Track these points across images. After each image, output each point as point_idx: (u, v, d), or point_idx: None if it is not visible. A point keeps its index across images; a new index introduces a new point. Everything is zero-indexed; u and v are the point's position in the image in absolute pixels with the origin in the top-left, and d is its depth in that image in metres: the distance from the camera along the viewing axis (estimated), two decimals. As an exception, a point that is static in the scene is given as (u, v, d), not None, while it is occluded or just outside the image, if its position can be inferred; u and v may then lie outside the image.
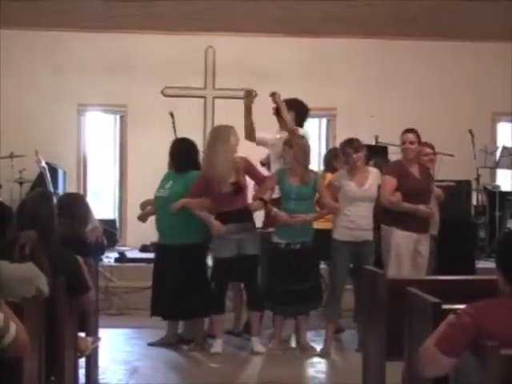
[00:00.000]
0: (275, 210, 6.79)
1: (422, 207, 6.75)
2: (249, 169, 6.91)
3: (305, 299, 6.78)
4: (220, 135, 6.88)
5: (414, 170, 6.89)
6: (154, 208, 7.13)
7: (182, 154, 7.05)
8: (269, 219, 7.11)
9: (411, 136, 6.87)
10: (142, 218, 7.35)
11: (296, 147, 6.86)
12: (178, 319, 7.11)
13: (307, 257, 6.80)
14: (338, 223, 6.91)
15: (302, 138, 7.07)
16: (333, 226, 7.01)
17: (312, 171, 7.07)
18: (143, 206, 7.38)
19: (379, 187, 6.89)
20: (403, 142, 6.91)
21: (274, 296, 6.79)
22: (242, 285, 7.25)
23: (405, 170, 6.85)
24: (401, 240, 6.74)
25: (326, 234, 6.97)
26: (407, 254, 6.75)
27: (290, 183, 6.82)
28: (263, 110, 10.88)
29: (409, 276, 6.34)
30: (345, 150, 6.99)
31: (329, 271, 7.02)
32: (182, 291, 6.72)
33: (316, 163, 11.67)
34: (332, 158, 8.03)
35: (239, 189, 6.76)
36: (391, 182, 6.79)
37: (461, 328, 2.97)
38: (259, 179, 6.98)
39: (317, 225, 7.05)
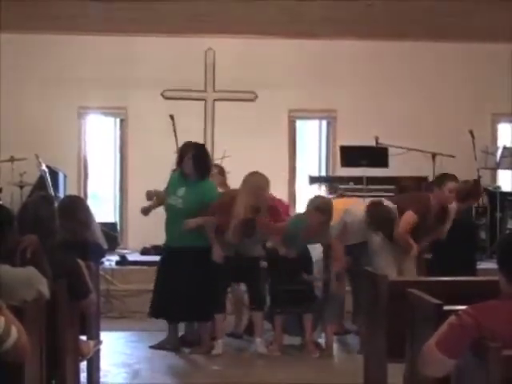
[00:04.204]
0: None
1: (415, 248, 6.97)
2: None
3: (309, 298, 6.84)
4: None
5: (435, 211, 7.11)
6: (164, 206, 7.06)
7: (206, 161, 6.98)
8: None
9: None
10: (146, 211, 7.26)
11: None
12: (187, 321, 7.10)
13: (302, 259, 6.90)
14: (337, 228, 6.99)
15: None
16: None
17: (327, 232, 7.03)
18: (149, 195, 7.26)
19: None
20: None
21: (279, 296, 6.82)
22: (244, 287, 7.29)
23: (428, 212, 7.01)
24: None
25: None
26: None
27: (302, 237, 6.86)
28: (262, 111, 10.95)
29: (411, 278, 6.37)
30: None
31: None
32: (192, 293, 6.71)
33: (316, 166, 11.71)
34: None
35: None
36: (412, 219, 6.93)
37: (462, 329, 2.96)
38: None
39: None
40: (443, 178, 7.06)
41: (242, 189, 6.85)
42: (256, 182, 6.84)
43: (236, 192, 6.94)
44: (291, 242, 6.83)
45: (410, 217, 6.93)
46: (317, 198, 7.14)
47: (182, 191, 6.88)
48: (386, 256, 6.87)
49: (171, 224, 6.96)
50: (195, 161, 6.84)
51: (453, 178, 7.02)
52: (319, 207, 6.81)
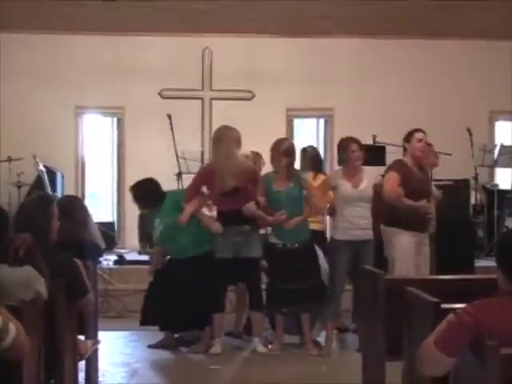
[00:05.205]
0: (270, 218, 6.76)
1: (422, 202, 6.73)
2: (254, 181, 6.88)
3: (305, 298, 6.76)
4: (237, 140, 6.87)
5: (416, 170, 6.87)
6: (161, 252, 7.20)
7: (145, 194, 6.99)
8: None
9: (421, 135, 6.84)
10: (158, 264, 7.28)
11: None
12: (186, 330, 7.12)
13: (305, 255, 6.81)
14: (336, 224, 6.91)
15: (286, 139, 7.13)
16: (332, 227, 7.02)
17: (297, 171, 7.06)
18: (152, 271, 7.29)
19: (376, 186, 6.86)
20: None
21: (274, 296, 6.79)
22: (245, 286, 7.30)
23: (409, 169, 6.82)
24: (406, 241, 6.71)
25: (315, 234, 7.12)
26: (412, 254, 6.73)
27: (278, 189, 6.79)
28: (259, 110, 10.95)
29: (408, 276, 6.34)
30: (347, 145, 6.92)
31: (329, 271, 7.01)
32: (192, 303, 6.74)
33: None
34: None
35: (238, 192, 6.76)
36: (394, 177, 6.72)
37: (460, 327, 2.96)
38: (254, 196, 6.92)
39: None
40: (409, 133, 6.99)
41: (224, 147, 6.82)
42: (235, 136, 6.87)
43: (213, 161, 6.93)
44: (274, 202, 6.75)
45: (391, 176, 6.73)
46: (278, 142, 6.98)
47: (156, 223, 6.99)
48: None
49: (170, 245, 7.01)
50: (138, 202, 7.07)
51: (418, 129, 6.98)
52: (286, 151, 6.77)
